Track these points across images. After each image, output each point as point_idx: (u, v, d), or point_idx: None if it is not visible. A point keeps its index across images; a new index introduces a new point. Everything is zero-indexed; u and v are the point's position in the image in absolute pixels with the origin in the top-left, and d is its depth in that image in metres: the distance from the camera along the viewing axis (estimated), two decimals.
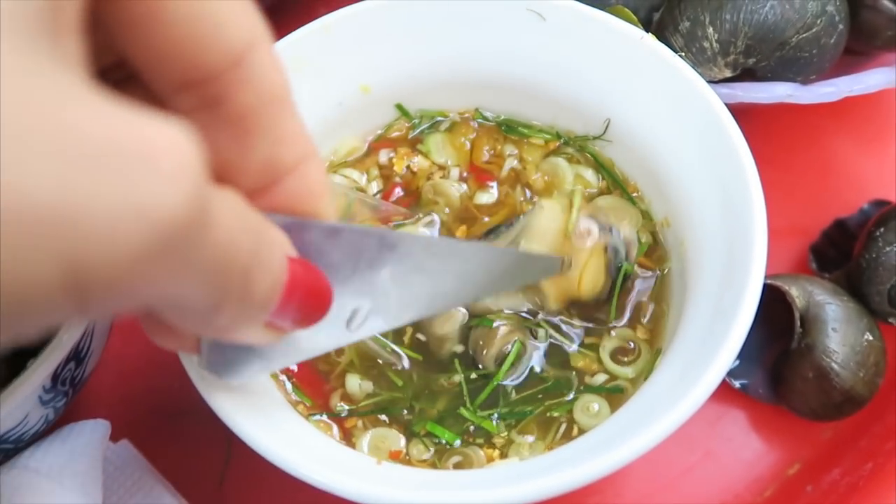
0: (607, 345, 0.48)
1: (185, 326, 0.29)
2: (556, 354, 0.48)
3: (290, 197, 0.31)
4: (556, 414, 0.46)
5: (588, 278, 0.47)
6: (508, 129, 0.55)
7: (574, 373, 0.48)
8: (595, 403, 0.46)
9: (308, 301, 0.31)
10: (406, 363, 0.48)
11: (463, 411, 0.46)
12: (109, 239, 0.20)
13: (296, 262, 0.31)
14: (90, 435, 0.47)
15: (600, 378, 0.47)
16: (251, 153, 0.30)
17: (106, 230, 0.20)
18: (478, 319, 0.48)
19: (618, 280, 0.48)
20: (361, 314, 0.36)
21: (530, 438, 0.46)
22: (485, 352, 0.47)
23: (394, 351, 0.48)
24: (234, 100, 0.29)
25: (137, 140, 0.21)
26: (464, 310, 0.49)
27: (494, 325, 0.48)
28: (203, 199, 0.23)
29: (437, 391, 0.47)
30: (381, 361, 0.48)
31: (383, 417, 0.47)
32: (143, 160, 0.21)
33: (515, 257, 0.46)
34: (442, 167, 0.54)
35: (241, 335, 0.31)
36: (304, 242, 0.32)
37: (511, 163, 0.54)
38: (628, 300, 0.49)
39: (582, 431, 0.46)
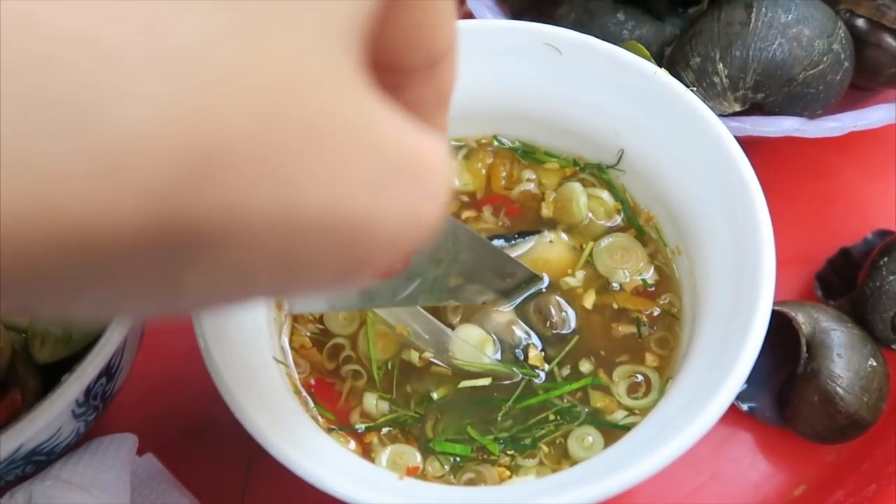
0: (619, 389, 0.49)
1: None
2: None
3: (418, 98, 0.29)
4: (558, 440, 0.47)
5: None
6: (525, 154, 0.57)
7: (589, 410, 0.48)
8: (590, 436, 0.47)
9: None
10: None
11: (469, 430, 0.47)
12: (390, 248, 0.22)
13: None
14: (118, 448, 0.49)
15: (619, 415, 0.48)
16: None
17: (388, 241, 0.22)
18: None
19: None
20: (404, 286, 0.37)
21: (531, 461, 0.47)
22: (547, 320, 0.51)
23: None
24: (412, 90, 0.28)
25: (419, 158, 0.22)
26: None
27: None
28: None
29: (452, 406, 0.48)
30: (407, 386, 0.49)
31: (400, 432, 0.48)
32: (423, 179, 0.22)
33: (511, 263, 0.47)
34: (459, 193, 0.56)
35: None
36: None
37: (527, 186, 0.56)
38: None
39: (574, 463, 0.46)
